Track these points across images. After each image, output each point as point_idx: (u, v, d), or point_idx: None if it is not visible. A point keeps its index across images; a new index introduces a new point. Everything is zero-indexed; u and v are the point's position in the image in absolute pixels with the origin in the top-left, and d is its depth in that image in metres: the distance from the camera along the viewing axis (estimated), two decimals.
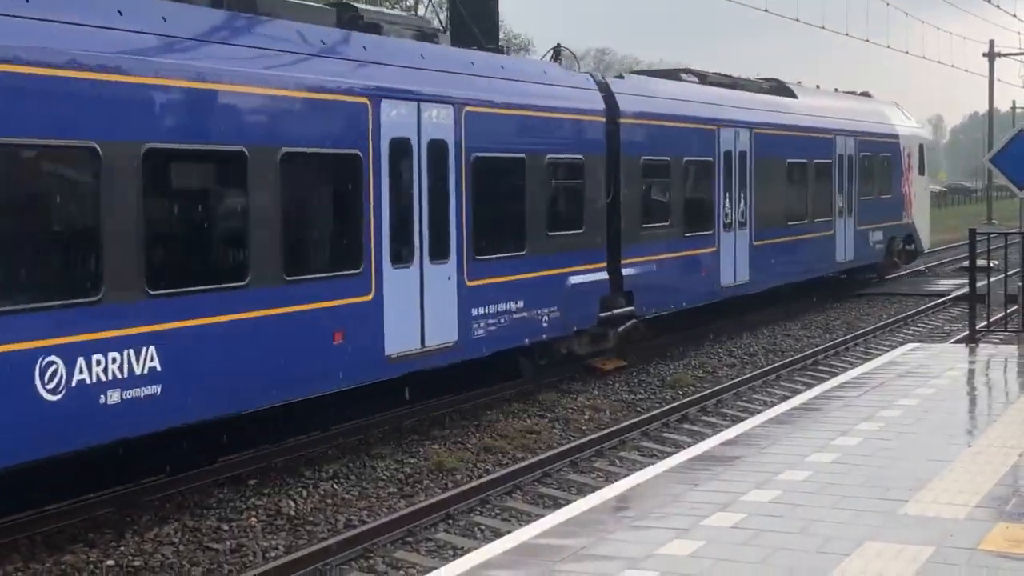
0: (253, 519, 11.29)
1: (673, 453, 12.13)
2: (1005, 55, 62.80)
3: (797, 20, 29.33)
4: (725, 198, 21.94)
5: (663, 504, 8.47)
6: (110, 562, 10.05)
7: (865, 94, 32.45)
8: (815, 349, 21.11)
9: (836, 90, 31.00)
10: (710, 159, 21.49)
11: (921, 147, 33.27)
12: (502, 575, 7.02)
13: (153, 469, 11.98)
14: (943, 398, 12.23)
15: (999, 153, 18.14)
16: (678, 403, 16.50)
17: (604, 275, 17.94)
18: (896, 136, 31.34)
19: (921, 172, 33.12)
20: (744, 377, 18.42)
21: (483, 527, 11.35)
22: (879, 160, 30.10)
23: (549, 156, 16.62)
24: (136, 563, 10.06)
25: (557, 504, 11.71)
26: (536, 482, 12.81)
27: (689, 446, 12.01)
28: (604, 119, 18.07)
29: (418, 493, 12.38)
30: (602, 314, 17.95)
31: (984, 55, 61.37)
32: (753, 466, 9.53)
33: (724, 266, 21.89)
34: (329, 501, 11.96)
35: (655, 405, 16.84)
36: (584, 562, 7.19)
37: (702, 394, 17.09)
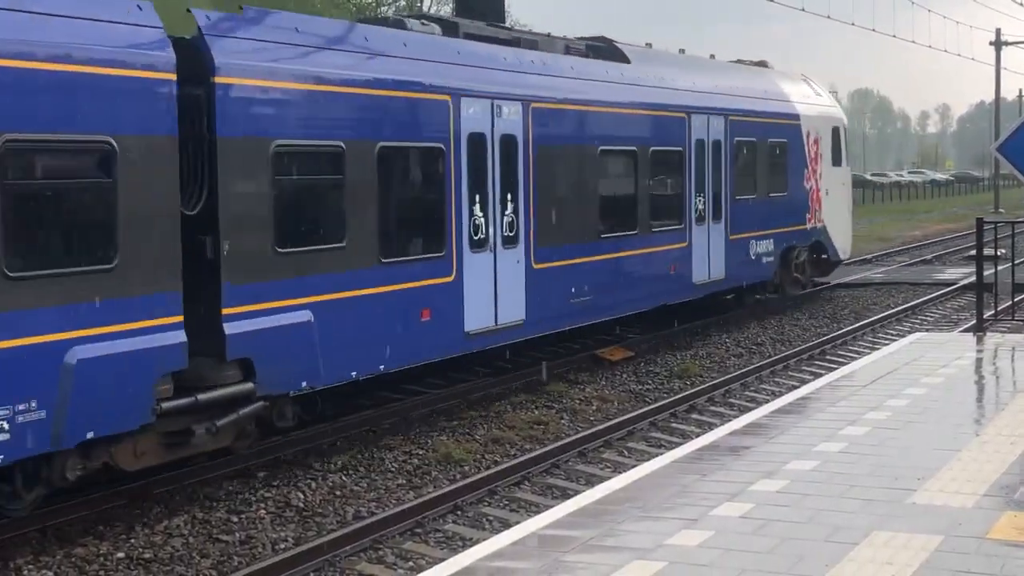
0: (262, 511, 11.33)
1: (681, 443, 12.17)
2: (1012, 43, 62.67)
3: (803, 10, 29.31)
4: (474, 204, 14.92)
5: (671, 495, 8.49)
6: (120, 554, 10.09)
7: (761, 64, 25.97)
8: (823, 338, 21.10)
9: (712, 57, 24.80)
10: (438, 146, 14.36)
11: (836, 131, 26.60)
12: (511, 566, 7.05)
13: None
14: (951, 387, 12.24)
15: (1005, 142, 18.09)
16: (686, 393, 16.51)
17: (175, 337, 10.78)
18: (796, 116, 24.48)
19: (837, 162, 26.59)
20: (752, 367, 18.41)
21: (491, 518, 11.38)
22: (767, 147, 23.18)
23: (7, 137, 9.52)
24: (146, 555, 10.10)
25: (565, 495, 11.74)
26: (544, 473, 12.84)
27: (697, 436, 12.03)
28: (174, 77, 10.87)
29: (427, 484, 12.41)
30: (169, 402, 10.86)
31: (991, 43, 61.26)
32: (761, 456, 9.55)
33: (472, 303, 14.92)
34: (338, 493, 11.99)
35: (663, 395, 16.85)
36: (593, 553, 7.21)
37: (710, 384, 17.09)
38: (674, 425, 15.16)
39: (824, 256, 26.33)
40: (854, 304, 26.31)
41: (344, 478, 12.46)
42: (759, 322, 23.41)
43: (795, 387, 15.49)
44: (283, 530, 10.90)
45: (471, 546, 9.64)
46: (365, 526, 10.63)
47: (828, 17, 31.68)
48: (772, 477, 8.83)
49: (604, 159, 17.93)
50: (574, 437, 14.01)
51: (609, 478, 10.75)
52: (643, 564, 6.95)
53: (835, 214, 26.38)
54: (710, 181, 20.94)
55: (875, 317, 23.78)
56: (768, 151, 23.26)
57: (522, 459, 13.00)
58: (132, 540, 10.41)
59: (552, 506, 10.16)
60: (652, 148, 19.18)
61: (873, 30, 36.28)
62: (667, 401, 16.01)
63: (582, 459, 13.47)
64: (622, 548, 7.26)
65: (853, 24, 34.78)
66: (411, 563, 10.13)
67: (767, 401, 14.86)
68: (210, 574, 9.84)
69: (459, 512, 11.45)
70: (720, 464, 9.32)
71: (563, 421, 15.31)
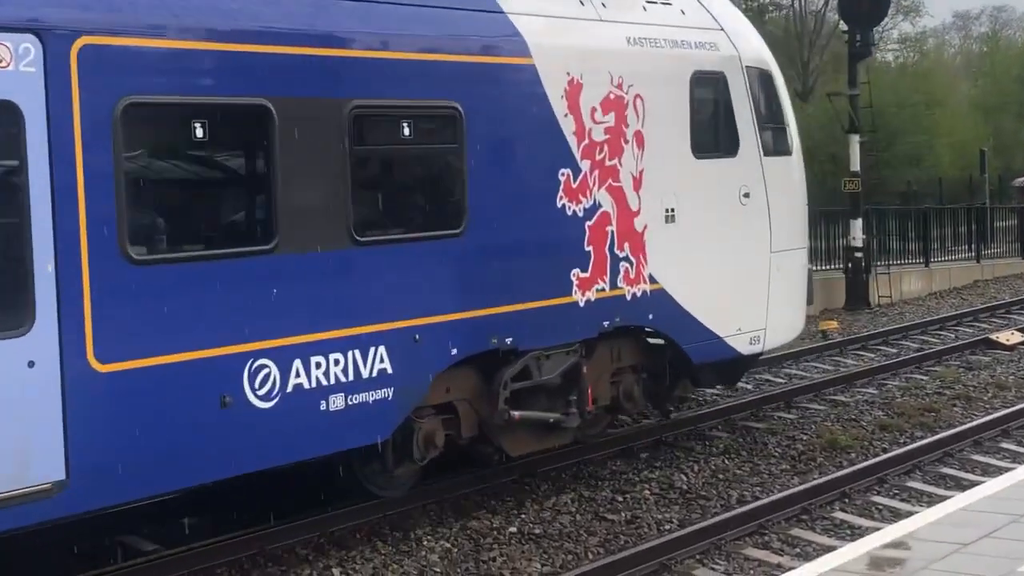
0: (647, 491, 11.40)
1: None
2: None
3: None
4: None
5: None
6: (512, 529, 10.41)
7: None
8: None
9: None
10: None
11: (718, 83, 12.32)
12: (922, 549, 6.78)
13: None
14: None
15: None
16: None
17: None
18: (512, 50, 10.46)
19: (724, 149, 12.39)
20: None
21: (881, 507, 10.98)
22: (343, 125, 9.09)
23: None
24: (536, 531, 10.37)
25: (960, 486, 11.17)
26: (937, 462, 12.27)
27: None
28: None
29: (812, 471, 12.13)
30: None
31: None
32: None
33: None
34: (720, 476, 11.91)
35: None
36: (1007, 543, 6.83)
37: None
38: None
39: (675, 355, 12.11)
40: None
41: (726, 461, 12.36)
42: None
43: None
44: (667, 511, 10.93)
45: (861, 536, 9.36)
46: (750, 510, 10.50)
47: None
48: None
49: None
50: (968, 425, 13.35)
51: (1011, 469, 10.16)
52: None
53: (709, 262, 12.17)
54: None
55: None
56: (352, 135, 9.28)
57: (912, 447, 12.50)
58: (523, 515, 10.72)
59: (947, 497, 9.72)
60: None
61: None
62: None
63: (977, 448, 12.79)
64: None
65: None
66: (798, 549, 9.93)
67: None
68: (597, 551, 10.00)
69: (846, 500, 11.12)
70: None
71: (955, 408, 14.60)
